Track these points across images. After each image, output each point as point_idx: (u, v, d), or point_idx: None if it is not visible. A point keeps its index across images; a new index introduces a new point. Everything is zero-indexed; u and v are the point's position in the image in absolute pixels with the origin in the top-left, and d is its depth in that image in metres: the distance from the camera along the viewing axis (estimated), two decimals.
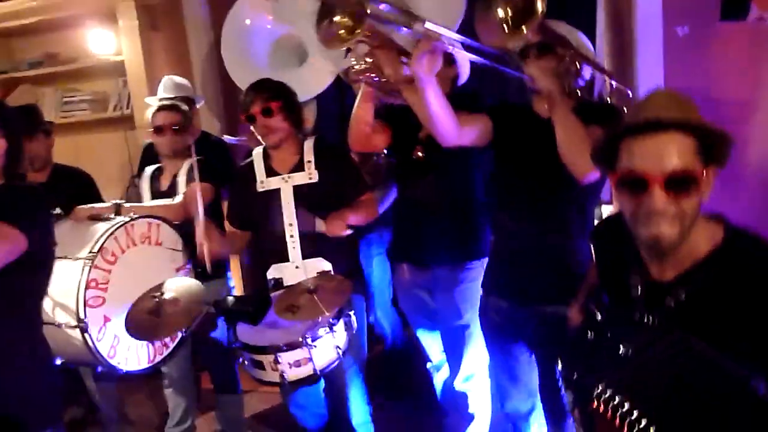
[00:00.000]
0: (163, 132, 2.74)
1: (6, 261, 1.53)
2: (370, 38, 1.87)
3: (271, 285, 2.32)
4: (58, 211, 2.48)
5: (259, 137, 2.42)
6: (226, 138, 3.51)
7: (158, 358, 2.40)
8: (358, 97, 2.28)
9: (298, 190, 2.37)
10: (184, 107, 2.88)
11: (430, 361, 2.74)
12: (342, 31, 1.74)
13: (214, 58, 4.04)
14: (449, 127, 1.89)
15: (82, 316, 2.05)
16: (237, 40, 3.33)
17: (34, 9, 3.96)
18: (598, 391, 1.10)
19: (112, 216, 2.37)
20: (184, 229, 2.52)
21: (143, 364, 2.33)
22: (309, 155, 2.39)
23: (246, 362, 2.08)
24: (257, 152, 2.48)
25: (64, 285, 2.06)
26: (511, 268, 2.04)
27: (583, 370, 1.19)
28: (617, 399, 1.07)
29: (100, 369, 2.25)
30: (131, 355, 2.27)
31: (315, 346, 2.00)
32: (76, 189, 2.78)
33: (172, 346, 2.46)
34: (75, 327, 2.05)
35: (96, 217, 2.37)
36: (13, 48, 4.43)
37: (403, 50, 1.90)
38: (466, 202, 2.43)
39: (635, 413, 1.03)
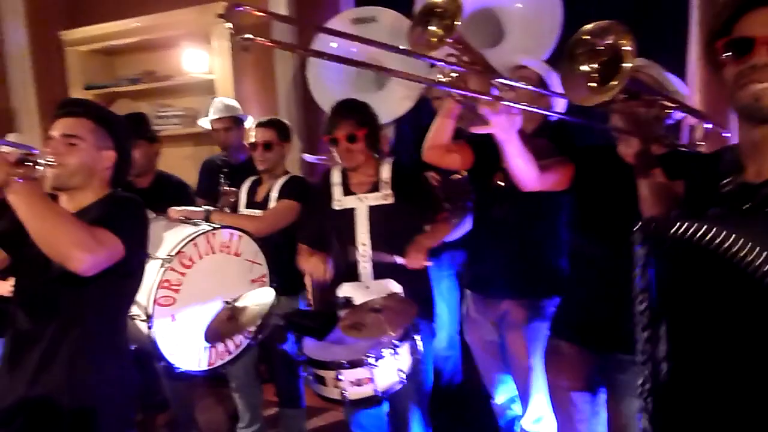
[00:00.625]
0: (257, 148, 2.88)
1: (104, 266, 1.60)
2: (460, 51, 1.91)
3: (341, 303, 2.34)
4: (153, 215, 2.62)
5: (337, 158, 2.47)
6: (305, 156, 3.61)
7: (218, 362, 2.45)
8: (440, 112, 2.29)
9: (373, 210, 2.40)
10: (282, 124, 3.00)
11: (494, 398, 2.66)
12: (432, 38, 1.82)
13: (298, 80, 4.18)
14: (528, 175, 1.87)
15: (150, 311, 2.13)
16: (322, 63, 3.43)
17: (136, 30, 4.25)
18: None
19: (201, 222, 2.47)
20: (271, 241, 2.60)
21: (202, 366, 2.37)
22: (386, 176, 2.43)
23: (310, 377, 2.11)
24: (336, 171, 2.53)
25: (145, 281, 2.12)
26: (586, 314, 1.94)
27: None
28: None
29: (162, 364, 2.31)
30: (192, 356, 2.33)
31: (377, 366, 2.01)
32: (174, 197, 2.92)
33: (235, 352, 2.51)
34: (143, 321, 2.14)
35: (187, 220, 2.48)
36: (114, 65, 4.76)
37: (492, 69, 1.91)
38: (545, 237, 2.37)
39: None
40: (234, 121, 3.48)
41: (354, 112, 2.42)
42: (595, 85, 1.45)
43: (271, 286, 2.57)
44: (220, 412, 3.44)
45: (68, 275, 1.56)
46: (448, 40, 1.84)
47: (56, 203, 1.68)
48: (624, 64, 1.38)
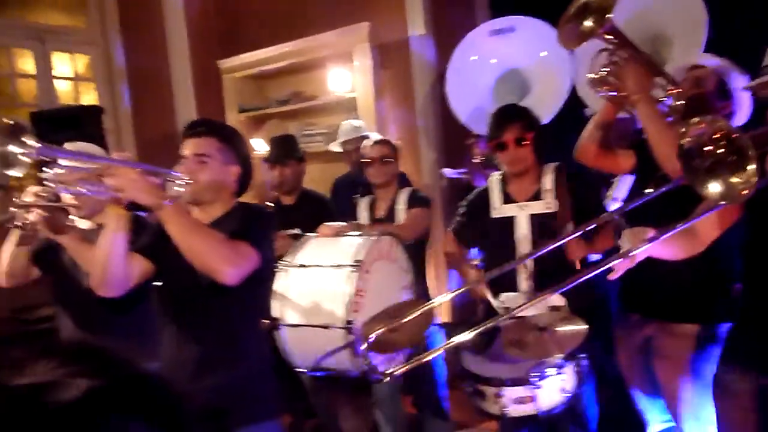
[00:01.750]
0: (372, 164, 2.98)
1: (245, 277, 1.74)
2: (615, 46, 1.82)
3: (500, 314, 2.28)
4: (297, 231, 2.75)
5: (503, 164, 2.41)
6: (445, 171, 3.63)
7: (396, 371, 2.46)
8: (597, 113, 2.18)
9: (534, 219, 2.33)
10: (396, 142, 3.13)
11: (648, 427, 2.45)
12: (583, 29, 1.80)
13: (436, 95, 4.22)
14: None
15: (351, 318, 2.15)
16: (461, 75, 3.44)
17: (285, 54, 4.53)
18: None
19: (355, 233, 2.52)
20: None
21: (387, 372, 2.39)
22: (548, 184, 2.35)
23: (469, 389, 2.08)
24: (495, 178, 2.50)
25: (333, 290, 2.20)
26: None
27: None
28: None
29: (355, 373, 2.35)
30: (379, 361, 2.36)
31: (540, 387, 1.93)
32: (318, 213, 3.04)
33: (402, 360, 2.50)
34: (342, 329, 2.14)
35: (340, 235, 2.56)
36: (265, 88, 5.10)
37: (655, 65, 1.79)
38: (719, 255, 2.15)
39: None
40: (362, 141, 3.57)
41: (520, 115, 2.38)
42: None
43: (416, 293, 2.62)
44: (362, 420, 3.48)
45: (215, 284, 1.71)
46: (601, 32, 1.76)
47: (199, 221, 1.82)
48: None
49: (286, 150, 3.21)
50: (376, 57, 4.20)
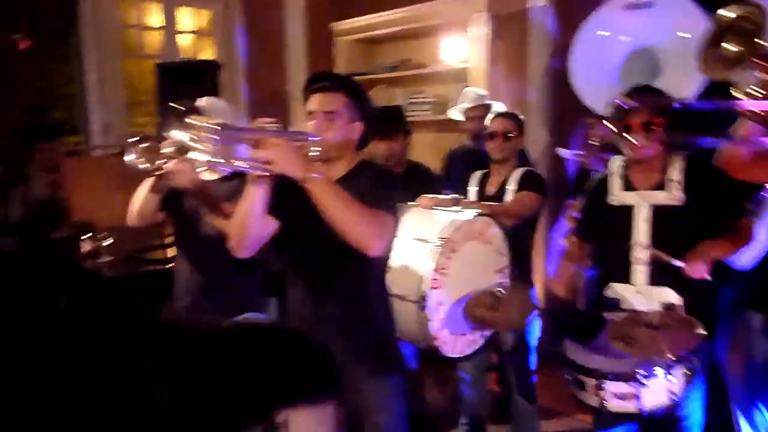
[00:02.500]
0: (496, 138, 2.87)
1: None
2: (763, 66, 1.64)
3: (609, 305, 2.19)
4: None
5: (627, 149, 2.24)
6: (560, 151, 3.47)
7: (467, 351, 2.46)
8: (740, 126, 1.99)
9: (656, 210, 2.17)
10: (521, 116, 2.99)
11: None
12: (730, 56, 1.65)
13: (552, 69, 4.05)
14: None
15: (424, 294, 2.18)
16: (588, 51, 3.26)
17: (399, 20, 4.48)
18: None
19: (458, 208, 2.50)
20: (510, 232, 2.57)
21: (458, 352, 2.40)
22: (675, 174, 2.17)
23: (569, 378, 2.01)
24: (616, 163, 2.36)
25: (415, 263, 2.24)
26: None
27: None
28: None
29: (419, 347, 2.39)
30: (450, 340, 2.36)
31: (646, 386, 1.83)
32: (424, 185, 3.01)
33: (481, 342, 2.50)
34: (415, 302, 2.19)
35: (440, 207, 2.53)
36: (374, 53, 5.09)
37: None
38: None
39: None
40: (486, 110, 3.48)
41: (653, 98, 2.20)
42: None
43: (511, 277, 2.57)
44: (447, 393, 3.50)
45: (354, 251, 1.74)
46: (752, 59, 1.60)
47: (345, 193, 1.79)
48: None
49: (394, 123, 3.17)
50: (493, 26, 4.06)
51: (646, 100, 2.15)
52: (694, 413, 2.15)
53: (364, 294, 1.91)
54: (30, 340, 3.05)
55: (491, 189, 2.92)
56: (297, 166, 1.65)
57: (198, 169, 2.12)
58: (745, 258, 2.16)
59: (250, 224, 1.79)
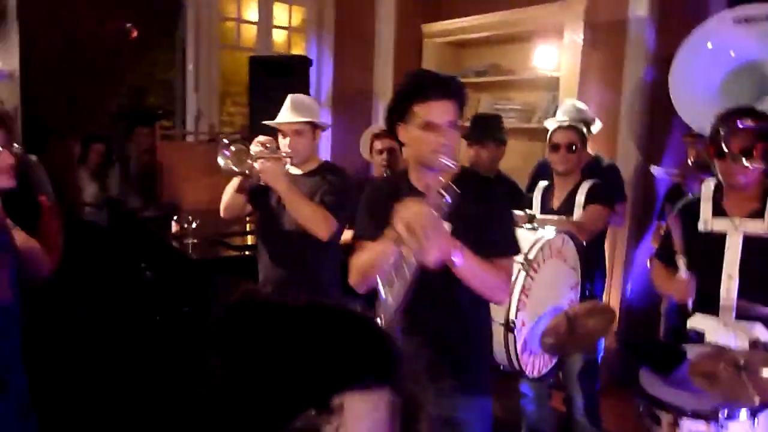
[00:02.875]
0: (558, 150, 2.82)
1: None
2: None
3: (693, 338, 2.08)
4: None
5: (720, 174, 2.11)
6: (653, 169, 3.33)
7: (544, 371, 2.40)
8: None
9: (750, 241, 2.03)
10: (582, 128, 2.92)
11: None
12: None
13: (647, 83, 3.89)
14: None
15: (513, 317, 2.10)
16: (691, 64, 3.10)
17: (490, 24, 4.43)
18: None
19: (533, 225, 2.41)
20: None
21: (536, 372, 2.33)
22: None
23: (642, 409, 1.92)
24: (709, 186, 2.21)
25: None
26: None
27: None
28: None
29: (504, 368, 2.31)
30: (530, 361, 2.30)
31: (726, 429, 1.70)
32: (510, 194, 2.98)
33: (554, 362, 2.43)
34: (502, 325, 2.12)
35: (518, 224, 2.49)
36: (463, 56, 5.06)
37: None
38: None
39: None
40: (584, 125, 3.38)
41: (759, 123, 2.04)
42: None
43: (583, 294, 2.51)
44: (509, 405, 3.42)
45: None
46: None
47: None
48: None
49: (487, 130, 3.14)
50: (588, 35, 3.95)
51: (749, 124, 2.01)
52: None
53: (465, 310, 1.81)
54: (116, 309, 3.24)
55: (555, 202, 2.86)
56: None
57: (282, 165, 2.22)
58: None
59: None
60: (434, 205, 1.54)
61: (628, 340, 1.98)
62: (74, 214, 3.92)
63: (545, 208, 2.87)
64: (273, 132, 2.52)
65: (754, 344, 1.92)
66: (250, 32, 5.11)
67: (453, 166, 1.69)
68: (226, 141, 2.36)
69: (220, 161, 2.33)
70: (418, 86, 1.72)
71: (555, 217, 2.75)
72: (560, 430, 3.10)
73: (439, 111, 1.68)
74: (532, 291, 2.17)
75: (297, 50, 5.18)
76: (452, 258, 1.57)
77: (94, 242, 3.73)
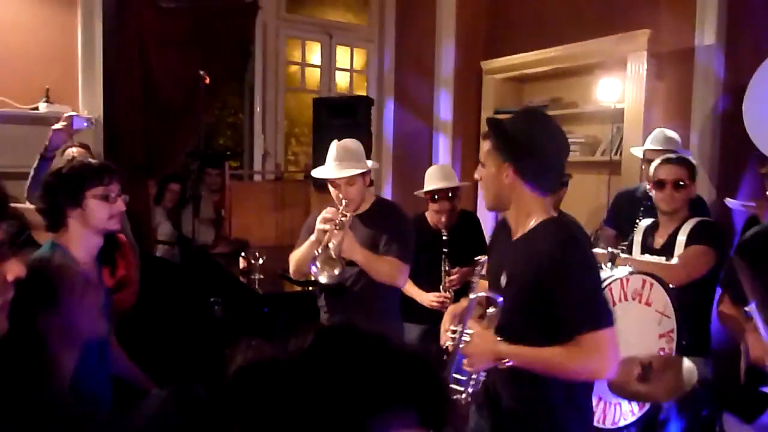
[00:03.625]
0: (665, 187, 2.60)
1: None
2: None
3: None
4: None
5: None
6: (728, 202, 3.20)
7: (622, 421, 2.30)
8: None
9: None
10: (692, 162, 2.69)
11: None
12: None
13: (717, 113, 3.77)
14: None
15: None
16: (765, 92, 3.00)
17: (551, 59, 4.42)
18: None
19: (608, 265, 2.30)
20: (681, 293, 2.33)
21: (609, 423, 2.21)
22: None
23: None
24: None
25: None
26: None
27: None
28: None
29: None
30: (600, 409, 2.20)
31: None
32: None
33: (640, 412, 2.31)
34: None
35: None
36: (524, 91, 5.06)
37: None
38: None
39: None
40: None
41: None
42: None
43: (679, 345, 2.33)
44: None
45: None
46: None
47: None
48: None
49: None
50: (653, 66, 3.88)
51: None
52: None
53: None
54: (187, 343, 3.35)
55: (659, 241, 2.65)
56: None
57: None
58: None
59: None
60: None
61: (704, 385, 1.87)
62: (149, 252, 4.12)
63: (646, 248, 2.67)
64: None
65: None
66: (314, 75, 5.31)
67: None
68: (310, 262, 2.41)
69: (322, 279, 2.38)
70: None
71: (646, 258, 2.56)
72: None
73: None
74: None
75: (359, 91, 5.33)
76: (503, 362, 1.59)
77: (168, 278, 3.89)
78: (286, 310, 3.30)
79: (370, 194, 2.72)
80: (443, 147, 5.04)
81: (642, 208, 2.96)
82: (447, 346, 1.70)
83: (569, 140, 4.39)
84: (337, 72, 5.29)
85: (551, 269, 1.58)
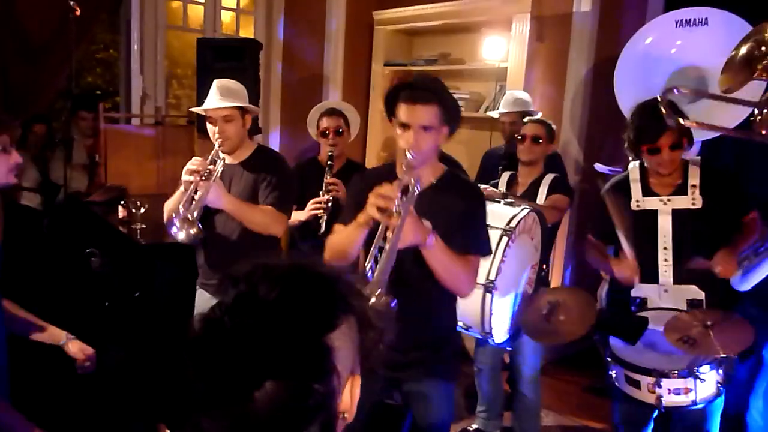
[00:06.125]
0: (525, 141, 3.00)
1: None
2: None
3: (636, 303, 2.33)
4: None
5: (653, 166, 2.36)
6: (597, 166, 3.53)
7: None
8: None
9: (678, 214, 2.31)
10: (550, 124, 3.09)
11: None
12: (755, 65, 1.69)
13: (589, 79, 4.06)
14: None
15: (492, 278, 2.22)
16: (634, 63, 3.27)
17: (441, 14, 4.49)
18: None
19: (509, 201, 2.56)
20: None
21: (501, 339, 2.43)
22: (694, 179, 2.32)
23: (615, 375, 2.12)
24: (633, 168, 2.46)
25: None
26: None
27: None
28: None
29: (476, 334, 2.39)
30: (499, 329, 2.40)
31: (704, 380, 1.97)
32: None
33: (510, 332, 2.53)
34: (482, 285, 2.21)
35: (489, 199, 2.58)
36: (413, 45, 5.11)
37: None
38: None
39: None
40: (521, 116, 3.51)
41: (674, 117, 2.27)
42: None
43: (539, 274, 2.66)
44: (463, 385, 3.55)
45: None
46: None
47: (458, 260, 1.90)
48: None
49: None
50: (535, 28, 4.07)
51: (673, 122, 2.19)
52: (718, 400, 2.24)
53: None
54: (64, 294, 3.15)
55: (519, 189, 3.03)
56: (413, 235, 1.73)
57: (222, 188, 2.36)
58: (745, 285, 2.23)
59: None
60: (405, 189, 1.76)
61: (600, 323, 2.15)
62: (13, 200, 3.77)
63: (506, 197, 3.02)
64: (202, 120, 2.57)
65: (692, 303, 2.22)
66: (197, 13, 5.00)
67: (415, 164, 1.83)
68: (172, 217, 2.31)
69: (181, 236, 2.27)
70: (401, 88, 1.89)
71: (525, 200, 2.90)
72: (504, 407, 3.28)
73: (412, 114, 1.83)
74: (507, 260, 2.29)
75: (245, 32, 5.10)
76: (425, 241, 1.74)
77: (36, 228, 3.61)
78: (170, 261, 3.20)
79: (253, 142, 2.67)
80: (333, 97, 4.99)
81: (500, 166, 3.22)
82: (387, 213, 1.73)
83: (456, 96, 4.57)
84: (222, 11, 5.02)
85: (466, 209, 1.93)
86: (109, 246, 3.34)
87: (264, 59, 4.79)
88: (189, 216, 2.26)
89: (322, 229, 2.99)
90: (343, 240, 1.91)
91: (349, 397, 0.80)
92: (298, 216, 3.03)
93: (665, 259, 2.29)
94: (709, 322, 1.99)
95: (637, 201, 2.38)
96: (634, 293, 2.34)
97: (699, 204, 2.28)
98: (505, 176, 3.12)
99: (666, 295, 2.29)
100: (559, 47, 4.10)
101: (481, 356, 3.14)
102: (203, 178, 2.31)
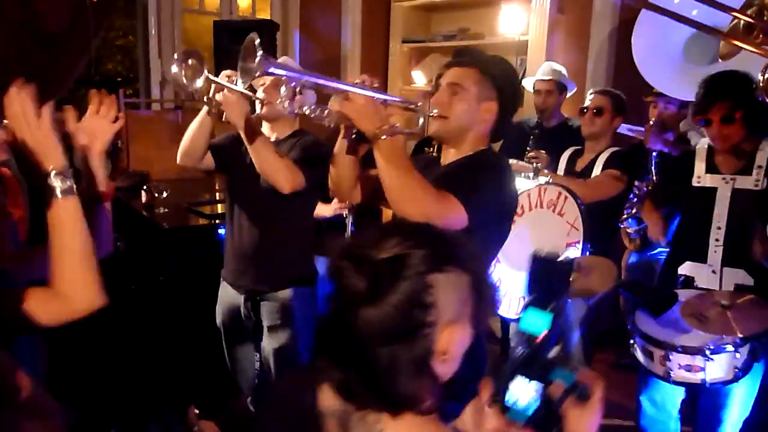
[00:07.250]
0: (586, 113, 2.91)
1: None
2: None
3: (680, 282, 2.28)
4: None
5: (709, 138, 2.29)
6: (623, 127, 3.41)
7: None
8: None
9: (738, 194, 2.22)
10: (618, 94, 2.98)
11: None
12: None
13: (613, 48, 3.95)
14: None
15: None
16: (652, 27, 3.17)
17: None
18: None
19: (531, 175, 2.56)
20: (592, 210, 2.53)
21: (511, 314, 2.43)
22: (762, 160, 2.21)
23: (636, 345, 2.11)
24: (702, 146, 2.38)
25: None
26: None
27: None
28: None
29: None
30: (505, 301, 2.42)
31: (713, 360, 1.92)
32: None
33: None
34: None
35: (518, 172, 2.54)
36: (431, 21, 5.03)
37: None
38: None
39: None
40: (558, 86, 3.44)
41: (730, 90, 2.18)
42: None
43: (583, 253, 2.54)
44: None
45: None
46: None
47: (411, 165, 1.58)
48: None
49: None
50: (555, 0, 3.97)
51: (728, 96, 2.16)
52: (749, 387, 2.18)
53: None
54: None
55: (580, 165, 2.94)
56: (368, 121, 1.50)
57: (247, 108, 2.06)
58: None
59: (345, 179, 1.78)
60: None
61: (626, 284, 2.15)
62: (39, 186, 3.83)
63: (569, 172, 2.97)
64: None
65: (737, 288, 2.15)
66: None
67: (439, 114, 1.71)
68: (187, 52, 2.01)
69: (174, 68, 1.93)
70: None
71: (561, 176, 2.86)
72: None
73: (444, 76, 1.76)
74: (513, 234, 2.20)
75: (262, 14, 5.07)
76: (380, 135, 1.50)
77: None
78: (193, 244, 3.22)
79: (294, 123, 2.48)
80: (351, 77, 4.95)
81: (531, 137, 3.14)
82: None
83: None
84: None
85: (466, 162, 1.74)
86: (132, 231, 3.37)
87: (281, 40, 4.76)
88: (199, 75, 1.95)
89: (348, 230, 2.92)
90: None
91: (448, 343, 0.88)
92: (323, 211, 2.91)
93: (716, 239, 2.22)
94: (726, 302, 1.95)
95: (699, 177, 2.32)
96: (680, 270, 2.29)
97: (762, 186, 2.18)
98: (568, 152, 3.05)
99: (713, 276, 2.22)
100: (581, 16, 4.00)
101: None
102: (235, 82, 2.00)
